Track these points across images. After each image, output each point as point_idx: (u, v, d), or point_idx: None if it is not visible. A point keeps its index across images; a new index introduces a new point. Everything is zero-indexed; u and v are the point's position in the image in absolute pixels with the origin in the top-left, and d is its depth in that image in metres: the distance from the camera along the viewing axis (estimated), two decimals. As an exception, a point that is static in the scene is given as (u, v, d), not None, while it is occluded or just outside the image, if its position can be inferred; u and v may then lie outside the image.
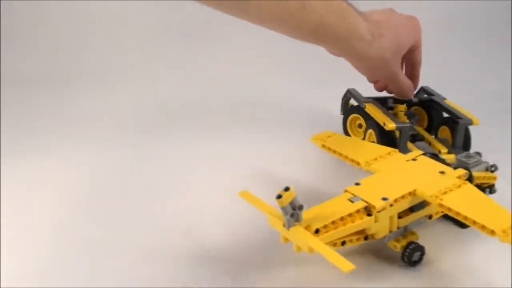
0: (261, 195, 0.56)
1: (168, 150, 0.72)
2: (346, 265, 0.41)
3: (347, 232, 0.47)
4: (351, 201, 0.48)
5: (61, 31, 1.04)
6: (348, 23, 0.58)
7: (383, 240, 0.50)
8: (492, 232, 0.43)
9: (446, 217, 0.54)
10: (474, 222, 0.45)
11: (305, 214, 0.46)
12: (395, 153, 0.56)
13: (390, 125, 0.63)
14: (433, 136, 0.69)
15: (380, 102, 0.69)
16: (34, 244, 0.54)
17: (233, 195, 0.57)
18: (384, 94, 0.71)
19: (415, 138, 0.68)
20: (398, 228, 0.50)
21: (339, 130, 0.70)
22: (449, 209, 0.46)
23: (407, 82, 0.67)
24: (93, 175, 0.66)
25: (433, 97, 0.71)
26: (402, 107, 0.69)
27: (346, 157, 0.57)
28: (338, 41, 0.60)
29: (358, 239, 0.49)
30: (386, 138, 0.64)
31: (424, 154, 0.55)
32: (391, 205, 0.48)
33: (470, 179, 0.52)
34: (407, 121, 0.68)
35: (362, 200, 0.48)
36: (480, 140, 0.65)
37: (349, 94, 0.73)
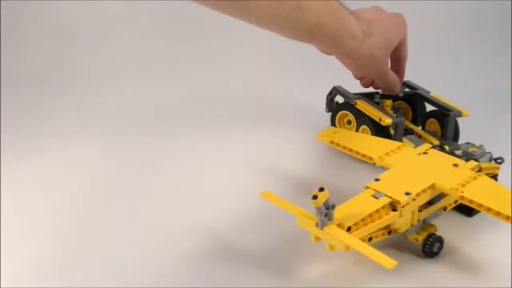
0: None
1: (168, 149, 0.71)
2: (389, 261, 0.42)
3: (375, 228, 0.47)
4: (376, 198, 0.49)
5: (61, 30, 1.03)
6: (341, 23, 0.59)
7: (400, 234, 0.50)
8: None
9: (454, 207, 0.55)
10: (498, 213, 0.46)
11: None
12: (405, 147, 0.57)
13: (387, 120, 0.64)
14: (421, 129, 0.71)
15: (368, 98, 0.70)
16: (34, 244, 0.53)
17: (239, 193, 0.60)
18: (370, 89, 0.73)
19: (405, 132, 0.70)
20: (418, 221, 0.51)
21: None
22: (471, 201, 0.48)
23: (394, 77, 0.69)
24: (94, 174, 0.66)
25: (418, 91, 0.73)
26: (389, 102, 0.71)
27: (357, 152, 0.57)
28: (331, 40, 0.61)
29: (382, 234, 0.49)
30: (381, 133, 0.65)
31: (433, 147, 0.57)
32: (413, 199, 0.49)
33: (478, 169, 0.54)
34: (394, 115, 0.70)
35: (386, 196, 0.49)
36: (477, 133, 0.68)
37: (335, 91, 0.74)
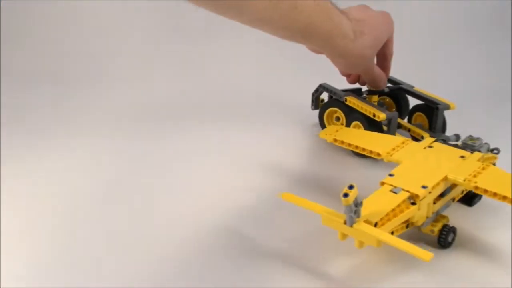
0: (268, 188, 0.61)
1: (168, 148, 0.71)
2: (425, 254, 0.43)
3: (398, 222, 0.48)
4: (394, 192, 0.50)
5: (61, 30, 1.01)
6: (333, 23, 0.60)
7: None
8: None
9: None
10: None
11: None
12: (409, 141, 0.58)
13: (382, 116, 0.65)
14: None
15: (356, 94, 0.71)
16: (34, 244, 0.53)
17: (239, 189, 0.61)
18: (355, 85, 0.74)
19: (395, 126, 0.71)
20: (433, 213, 0.52)
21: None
22: (485, 190, 0.49)
23: (381, 73, 0.70)
24: (94, 173, 0.65)
25: (402, 86, 0.74)
26: (375, 98, 0.72)
27: (363, 149, 0.58)
28: (324, 40, 0.62)
29: (401, 228, 0.50)
30: (374, 128, 0.67)
31: (436, 140, 0.58)
32: (429, 192, 0.50)
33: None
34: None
35: (404, 190, 0.50)
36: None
37: (322, 88, 0.74)
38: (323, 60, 0.68)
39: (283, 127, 0.76)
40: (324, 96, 0.76)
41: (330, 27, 0.60)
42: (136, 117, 0.80)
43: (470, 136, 0.59)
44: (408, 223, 0.50)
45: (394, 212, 0.48)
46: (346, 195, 0.44)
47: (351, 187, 0.44)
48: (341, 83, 0.74)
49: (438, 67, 0.96)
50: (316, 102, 0.76)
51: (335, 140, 0.60)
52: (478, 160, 0.54)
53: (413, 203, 0.49)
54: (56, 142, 0.72)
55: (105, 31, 1.01)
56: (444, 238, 0.51)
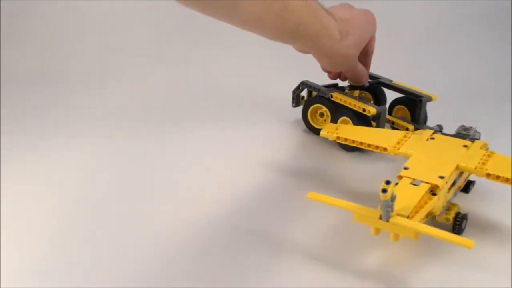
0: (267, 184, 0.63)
1: (168, 148, 0.71)
2: (467, 241, 0.44)
3: (424, 214, 0.50)
4: (415, 185, 0.51)
5: (61, 30, 1.01)
6: (321, 23, 0.61)
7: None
8: None
9: None
10: None
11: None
12: (410, 134, 0.60)
13: (372, 110, 0.67)
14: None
15: (339, 90, 0.73)
16: (34, 244, 0.53)
17: (239, 187, 0.62)
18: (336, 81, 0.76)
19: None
20: (447, 202, 0.54)
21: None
22: (497, 176, 0.52)
23: (363, 69, 0.72)
24: (94, 173, 0.65)
25: (381, 80, 0.76)
26: (357, 93, 0.74)
27: (369, 145, 0.59)
28: (312, 40, 0.63)
29: (422, 220, 0.52)
30: (364, 123, 0.68)
31: (435, 132, 0.60)
32: (446, 182, 0.52)
33: (481, 148, 0.59)
34: None
35: (423, 182, 0.51)
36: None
37: (304, 85, 0.75)
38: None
39: (270, 124, 0.78)
40: (303, 93, 0.77)
41: (319, 27, 0.61)
42: (136, 116, 0.81)
43: (463, 125, 0.62)
44: (427, 214, 0.52)
45: (420, 204, 0.49)
46: (384, 190, 0.44)
47: (388, 182, 0.45)
48: (321, 80, 0.75)
49: (429, 64, 1.00)
50: (297, 99, 0.77)
51: (338, 137, 0.60)
52: (481, 148, 0.57)
53: (434, 194, 0.51)
54: (56, 142, 0.72)
55: (105, 31, 1.01)
56: (459, 225, 0.54)
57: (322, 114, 0.74)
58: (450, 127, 0.63)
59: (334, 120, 0.71)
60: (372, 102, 0.78)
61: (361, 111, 0.68)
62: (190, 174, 0.65)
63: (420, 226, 0.46)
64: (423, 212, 0.49)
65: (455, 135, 0.60)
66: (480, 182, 0.59)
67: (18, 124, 0.77)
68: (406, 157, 0.57)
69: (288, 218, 0.57)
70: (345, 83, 0.75)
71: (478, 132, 0.61)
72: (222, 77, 0.94)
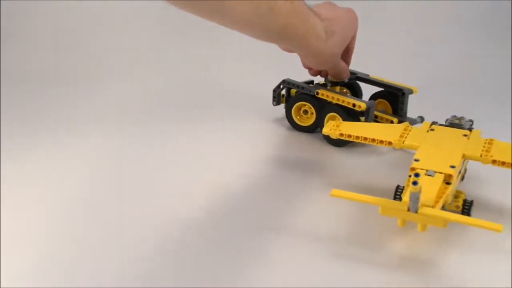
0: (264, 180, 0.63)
1: (166, 145, 0.72)
2: (496, 226, 0.45)
3: (442, 203, 0.51)
4: (430, 175, 0.52)
5: (61, 30, 1.02)
6: (308, 24, 0.62)
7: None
8: None
9: None
10: None
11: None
12: (409, 127, 0.61)
13: (363, 105, 0.67)
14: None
15: (322, 86, 0.73)
16: (34, 244, 0.52)
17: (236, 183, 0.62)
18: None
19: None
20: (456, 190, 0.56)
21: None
22: (503, 163, 0.54)
23: (345, 66, 0.73)
24: (94, 173, 0.65)
25: (358, 75, 0.78)
26: (338, 88, 0.75)
27: (373, 140, 0.59)
28: (299, 40, 0.64)
29: (440, 208, 0.53)
30: (353, 118, 0.69)
31: (433, 123, 0.62)
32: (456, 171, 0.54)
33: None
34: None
35: (437, 172, 0.52)
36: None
37: (286, 84, 0.75)
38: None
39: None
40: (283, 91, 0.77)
41: (306, 28, 0.62)
42: (136, 116, 0.81)
43: (454, 116, 0.64)
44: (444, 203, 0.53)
45: (438, 194, 0.50)
46: (415, 183, 0.45)
47: (417, 174, 0.45)
48: (299, 77, 0.75)
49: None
50: (278, 97, 0.77)
51: (341, 134, 0.61)
52: (479, 136, 0.59)
53: (448, 183, 0.52)
54: (56, 142, 0.72)
55: (104, 31, 1.01)
56: (467, 212, 0.55)
57: (306, 112, 0.74)
58: (432, 118, 0.65)
59: (320, 116, 0.72)
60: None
61: (351, 106, 0.68)
62: (191, 174, 0.64)
63: (449, 215, 0.47)
64: (442, 201, 0.50)
65: (451, 125, 0.62)
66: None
67: (18, 124, 0.77)
68: (411, 149, 0.58)
69: (287, 216, 0.56)
70: (322, 79, 0.76)
71: (471, 121, 0.64)
72: (208, 76, 0.95)
